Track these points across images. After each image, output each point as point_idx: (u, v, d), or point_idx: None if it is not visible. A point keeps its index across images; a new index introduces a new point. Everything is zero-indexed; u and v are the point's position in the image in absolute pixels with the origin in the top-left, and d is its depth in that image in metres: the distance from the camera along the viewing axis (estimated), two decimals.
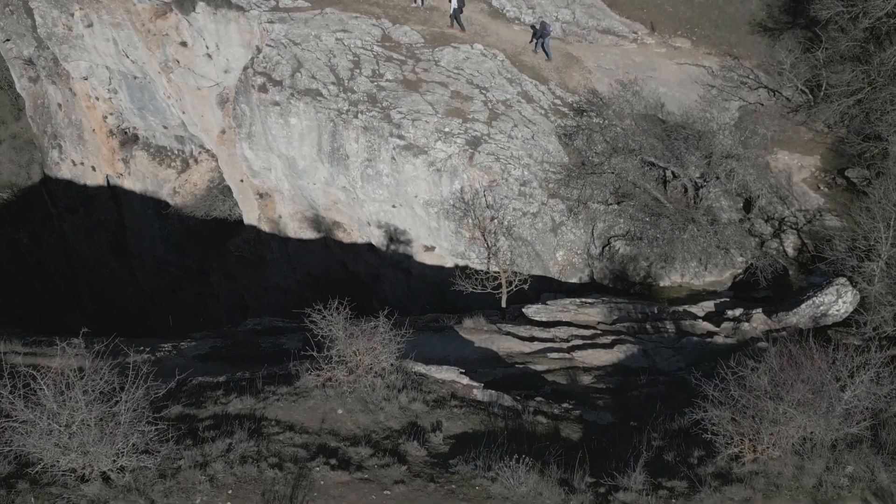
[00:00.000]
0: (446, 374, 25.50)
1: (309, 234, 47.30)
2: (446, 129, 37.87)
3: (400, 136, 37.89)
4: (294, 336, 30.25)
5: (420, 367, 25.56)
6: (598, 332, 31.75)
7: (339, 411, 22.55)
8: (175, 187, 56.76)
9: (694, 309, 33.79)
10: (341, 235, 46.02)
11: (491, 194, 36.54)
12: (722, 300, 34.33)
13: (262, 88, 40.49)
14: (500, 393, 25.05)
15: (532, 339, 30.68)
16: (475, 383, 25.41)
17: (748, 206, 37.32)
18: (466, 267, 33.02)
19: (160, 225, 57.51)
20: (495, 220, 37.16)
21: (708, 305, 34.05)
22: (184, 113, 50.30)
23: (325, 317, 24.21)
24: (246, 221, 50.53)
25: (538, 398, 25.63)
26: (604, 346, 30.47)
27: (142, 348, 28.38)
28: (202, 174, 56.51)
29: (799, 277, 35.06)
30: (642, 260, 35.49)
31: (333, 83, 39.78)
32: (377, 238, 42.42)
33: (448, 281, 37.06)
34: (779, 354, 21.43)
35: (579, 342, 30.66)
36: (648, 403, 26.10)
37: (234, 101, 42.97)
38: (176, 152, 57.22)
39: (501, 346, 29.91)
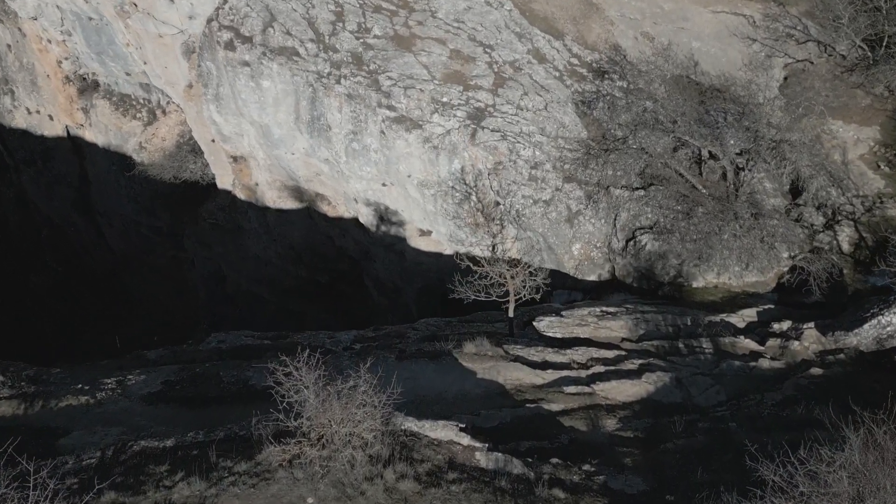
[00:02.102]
0: (443, 432, 21.67)
1: (290, 203, 43.01)
2: (444, 99, 33.27)
3: (390, 107, 33.33)
4: (264, 363, 26.26)
5: (411, 424, 21.72)
6: (623, 352, 27.83)
7: (310, 501, 18.76)
8: (141, 142, 52.17)
9: (733, 318, 29.83)
10: (326, 208, 41.75)
11: (497, 179, 32.17)
12: (765, 307, 30.34)
13: (230, 46, 35.68)
14: (507, 457, 21.27)
15: (545, 364, 26.77)
16: (477, 443, 21.60)
17: (796, 189, 32.96)
18: (468, 256, 28.74)
19: (127, 183, 53.10)
20: (501, 206, 32.88)
21: (749, 314, 30.07)
22: (146, 63, 45.44)
23: (291, 373, 20.09)
24: (220, 185, 46.14)
25: (554, 460, 21.85)
26: (630, 373, 26.57)
27: (79, 386, 24.47)
28: (171, 127, 51.85)
29: (856, 278, 31.03)
30: (673, 257, 31.35)
31: (312, 40, 34.98)
32: (365, 217, 38.19)
33: (447, 269, 33.12)
34: (863, 447, 17.41)
35: (601, 368, 26.75)
36: (686, 463, 22.40)
37: (199, 57, 38.14)
38: (142, 102, 52.45)
39: (508, 378, 26.00)
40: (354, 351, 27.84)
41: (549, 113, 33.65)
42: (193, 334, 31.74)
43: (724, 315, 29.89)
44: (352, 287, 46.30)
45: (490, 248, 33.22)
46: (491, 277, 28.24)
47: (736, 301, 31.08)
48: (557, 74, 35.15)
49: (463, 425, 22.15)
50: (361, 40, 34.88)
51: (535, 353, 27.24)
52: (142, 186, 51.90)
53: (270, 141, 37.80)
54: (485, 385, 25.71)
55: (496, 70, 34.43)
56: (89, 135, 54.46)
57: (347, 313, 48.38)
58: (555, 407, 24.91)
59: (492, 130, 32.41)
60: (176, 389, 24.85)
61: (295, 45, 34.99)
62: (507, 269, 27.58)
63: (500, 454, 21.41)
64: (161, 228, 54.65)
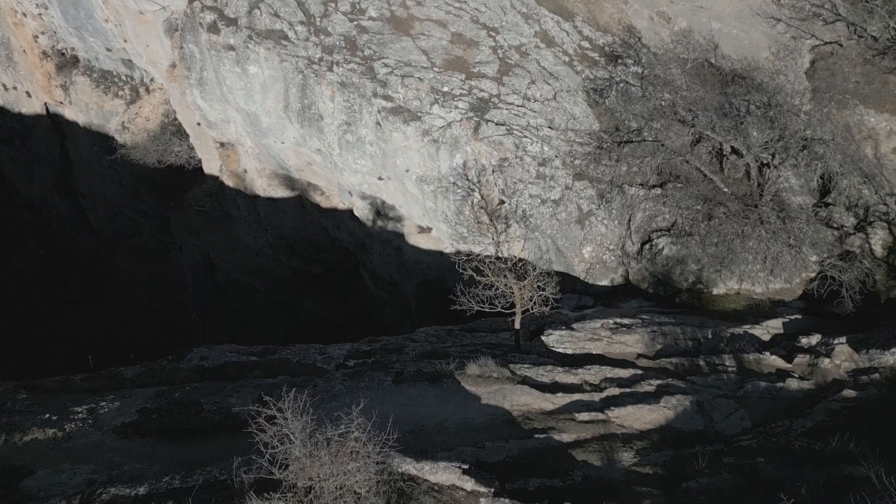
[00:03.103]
0: (444, 475, 20.00)
1: (280, 192, 41.03)
2: (444, 89, 31.15)
3: (386, 97, 31.22)
4: (248, 387, 24.52)
5: (410, 466, 20.04)
6: (639, 370, 26.04)
7: None
8: (124, 121, 49.98)
9: (757, 330, 28.03)
10: (319, 198, 39.78)
11: (502, 177, 30.16)
12: (792, 317, 28.52)
13: (213, 28, 33.46)
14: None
15: (554, 387, 24.99)
16: (482, 488, 19.95)
17: (823, 186, 30.98)
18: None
19: (110, 165, 50.97)
20: (505, 204, 30.93)
21: (774, 325, 28.27)
22: (126, 42, 43.24)
23: (275, 419, 18.30)
24: (206, 171, 44.13)
25: None
26: (647, 396, 24.79)
27: (46, 416, 22.69)
28: (155, 107, 49.66)
29: (889, 285, 29.19)
30: (692, 262, 29.46)
31: (302, 23, 32.77)
32: (361, 210, 36.22)
33: (448, 268, 31.27)
34: None
35: (615, 390, 24.97)
36: None
37: (182, 39, 35.90)
38: (124, 79, 50.19)
39: (516, 403, 24.22)
40: (348, 370, 26.04)
41: (559, 103, 31.56)
42: (175, 349, 29.81)
43: (748, 327, 28.08)
44: (347, 278, 44.46)
45: (495, 247, 31.35)
46: (496, 287, 26.37)
47: (759, 309, 29.25)
48: (567, 59, 32.99)
49: (466, 466, 20.48)
50: (355, 23, 32.69)
51: (544, 374, 25.45)
52: (125, 169, 49.83)
53: (258, 129, 35.72)
54: (490, 412, 23.94)
55: (501, 56, 32.26)
56: (69, 113, 52.31)
57: (343, 305, 46.65)
58: (566, 437, 23.16)
59: (496, 124, 30.34)
60: (153, 419, 23.06)
61: (283, 27, 32.80)
62: (515, 282, 25.67)
63: (507, 500, 19.75)
64: (147, 212, 52.69)
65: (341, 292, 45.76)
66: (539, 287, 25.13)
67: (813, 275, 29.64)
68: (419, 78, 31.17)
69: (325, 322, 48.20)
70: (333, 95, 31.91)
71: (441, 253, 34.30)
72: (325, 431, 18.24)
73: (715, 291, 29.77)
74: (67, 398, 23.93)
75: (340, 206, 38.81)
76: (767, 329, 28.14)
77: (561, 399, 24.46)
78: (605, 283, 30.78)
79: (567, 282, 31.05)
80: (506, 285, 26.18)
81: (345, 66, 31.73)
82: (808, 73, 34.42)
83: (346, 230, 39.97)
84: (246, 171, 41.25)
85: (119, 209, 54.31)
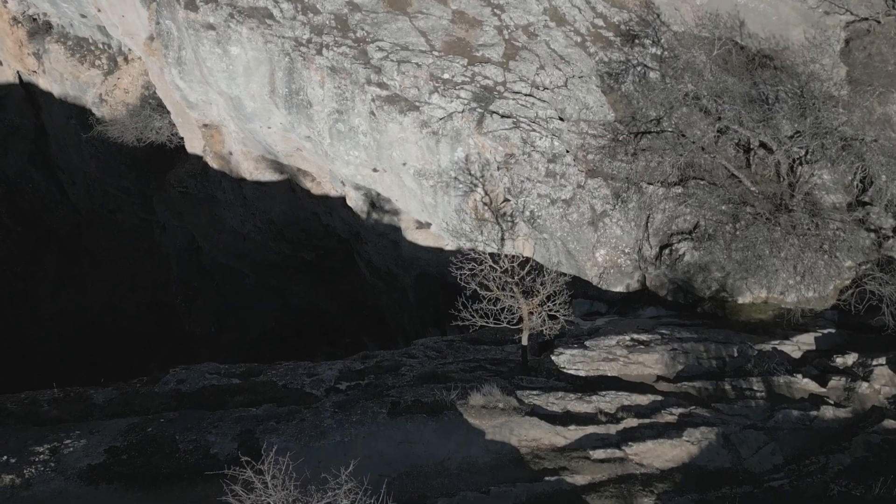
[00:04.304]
0: None
1: (268, 176, 38.84)
2: (445, 76, 28.85)
3: (381, 84, 28.92)
4: (229, 420, 22.62)
5: None
6: (659, 396, 24.16)
7: None
8: (101, 94, 47.53)
9: (787, 346, 26.14)
10: (310, 185, 37.62)
11: (508, 175, 28.00)
12: (825, 331, 26.60)
13: (190, 5, 31.03)
14: None
15: (566, 417, 23.14)
16: None
17: (861, 184, 28.83)
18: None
19: (88, 138, 48.53)
20: (510, 202, 28.83)
21: (806, 341, 26.37)
22: (99, 11, 40.63)
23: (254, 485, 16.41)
24: (189, 150, 41.83)
25: None
26: (668, 427, 22.96)
27: (4, 458, 20.83)
28: (134, 77, 47.18)
29: None
30: (715, 269, 27.44)
31: (288, 0, 30.30)
32: (354, 201, 34.09)
33: (448, 266, 29.24)
34: None
35: (633, 421, 23.12)
36: None
37: (157, 13, 33.42)
38: (101, 47, 47.68)
39: (524, 438, 22.36)
40: (339, 396, 24.11)
41: (570, 91, 29.27)
42: (149, 370, 27.90)
43: (776, 342, 26.17)
44: (341, 265, 42.41)
45: (499, 245, 29.34)
46: (502, 302, 24.37)
47: (788, 320, 27.24)
48: (579, 40, 30.62)
49: None
50: (347, 0, 30.22)
51: (555, 402, 23.56)
52: (104, 145, 47.42)
53: (243, 114, 33.43)
54: (495, 449, 22.08)
55: (507, 37, 29.89)
56: (43, 83, 49.87)
57: (336, 292, 44.70)
58: (579, 479, 21.35)
59: (502, 116, 28.08)
60: (122, 461, 21.18)
61: (268, 5, 30.40)
62: (523, 301, 23.67)
63: None
64: (128, 189, 50.44)
65: (334, 279, 43.78)
66: (550, 314, 23.11)
67: (847, 282, 27.63)
68: (417, 64, 28.83)
69: (317, 309, 46.32)
70: (323, 81, 29.61)
71: (441, 250, 32.29)
72: (311, 501, 16.37)
73: (740, 300, 27.78)
74: (29, 435, 22.01)
75: (332, 192, 36.67)
76: (798, 345, 26.24)
77: (574, 433, 22.61)
78: (619, 289, 28.79)
79: (578, 286, 29.06)
80: (512, 299, 24.21)
81: (335, 49, 29.36)
82: (842, 53, 32.09)
83: (339, 218, 37.87)
84: (231, 154, 39.00)
85: (99, 184, 52.06)
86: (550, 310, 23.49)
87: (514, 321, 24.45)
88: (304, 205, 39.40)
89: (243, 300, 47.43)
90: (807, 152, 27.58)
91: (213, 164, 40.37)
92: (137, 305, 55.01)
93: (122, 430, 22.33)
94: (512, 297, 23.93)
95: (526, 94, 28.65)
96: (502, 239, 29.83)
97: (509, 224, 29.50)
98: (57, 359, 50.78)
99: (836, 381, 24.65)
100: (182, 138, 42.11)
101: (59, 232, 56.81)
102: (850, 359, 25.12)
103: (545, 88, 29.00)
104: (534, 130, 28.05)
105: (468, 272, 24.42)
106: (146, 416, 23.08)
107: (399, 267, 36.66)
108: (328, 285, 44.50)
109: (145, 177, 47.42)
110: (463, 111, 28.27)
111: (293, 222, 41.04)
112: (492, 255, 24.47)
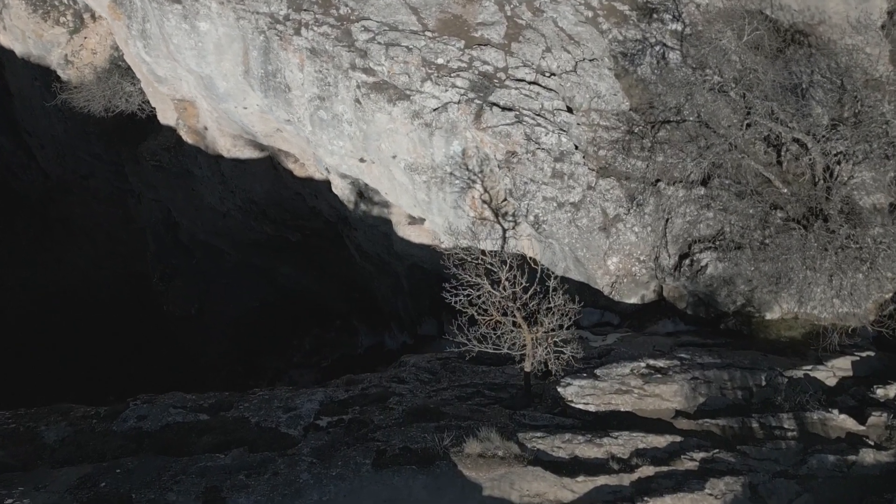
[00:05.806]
0: None
1: (248, 153, 36.30)
2: (439, 61, 26.14)
3: (367, 70, 26.24)
4: (192, 473, 20.46)
5: None
6: (678, 437, 22.00)
7: None
8: (67, 54, 44.62)
9: (821, 373, 23.95)
10: (292, 166, 35.12)
11: (510, 175, 25.45)
12: (863, 354, 24.41)
13: None
14: None
15: (574, 465, 21.04)
16: None
17: None
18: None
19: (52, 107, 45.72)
20: (510, 201, 26.35)
21: (842, 365, 24.20)
22: None
23: None
24: (162, 121, 39.08)
25: None
26: (689, 476, 20.87)
27: None
28: (102, 37, 44.24)
29: None
30: (742, 283, 25.10)
31: None
32: (340, 190, 31.63)
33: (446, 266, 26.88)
34: None
35: (649, 469, 21.02)
36: None
37: None
38: (65, 2, 44.56)
39: (526, 493, 20.29)
40: (319, 435, 21.94)
41: (580, 77, 26.58)
42: (108, 398, 25.71)
43: (808, 368, 23.97)
44: (330, 244, 39.95)
45: (500, 246, 27.03)
46: (503, 325, 22.10)
47: (822, 339, 24.93)
48: (591, 15, 27.81)
49: None
50: None
51: (561, 445, 21.43)
52: (71, 110, 44.55)
53: (215, 94, 30.76)
54: None
55: (509, 13, 27.09)
56: (4, 40, 46.98)
57: (324, 273, 42.39)
58: None
59: (503, 108, 25.44)
60: None
61: None
62: (529, 330, 21.37)
63: None
64: (100, 155, 47.75)
65: (322, 260, 41.47)
66: (558, 350, 20.84)
67: (889, 296, 25.29)
68: (407, 47, 26.09)
69: (305, 290, 44.10)
70: (302, 64, 26.91)
71: (436, 248, 29.84)
72: None
73: (768, 316, 25.52)
74: None
75: (317, 175, 34.14)
76: (833, 370, 24.06)
77: (582, 485, 20.52)
78: (634, 300, 26.48)
79: (587, 294, 26.75)
80: (514, 325, 21.95)
81: (315, 28, 26.59)
82: (884, 26, 29.31)
83: (325, 201, 35.39)
84: (206, 129, 36.38)
85: (69, 149, 49.38)
86: (556, 344, 21.21)
87: (517, 347, 22.22)
88: (288, 184, 36.88)
89: (225, 279, 45.16)
90: (846, 152, 24.99)
91: (188, 138, 37.76)
92: (114, 276, 52.85)
93: (72, 484, 20.23)
94: (514, 322, 21.64)
95: (530, 82, 25.96)
96: (504, 239, 27.48)
97: (511, 223, 27.07)
98: (28, 330, 49.05)
99: (877, 417, 22.48)
100: (154, 108, 39.35)
101: (29, 198, 54.31)
102: (893, 390, 22.93)
103: (552, 74, 26.30)
104: (539, 125, 25.41)
105: (465, 296, 22.06)
106: (100, 464, 20.94)
107: (391, 256, 34.32)
108: (316, 266, 42.23)
109: (115, 147, 44.72)
110: (459, 102, 25.62)
111: (276, 202, 38.57)
112: (490, 279, 21.97)
